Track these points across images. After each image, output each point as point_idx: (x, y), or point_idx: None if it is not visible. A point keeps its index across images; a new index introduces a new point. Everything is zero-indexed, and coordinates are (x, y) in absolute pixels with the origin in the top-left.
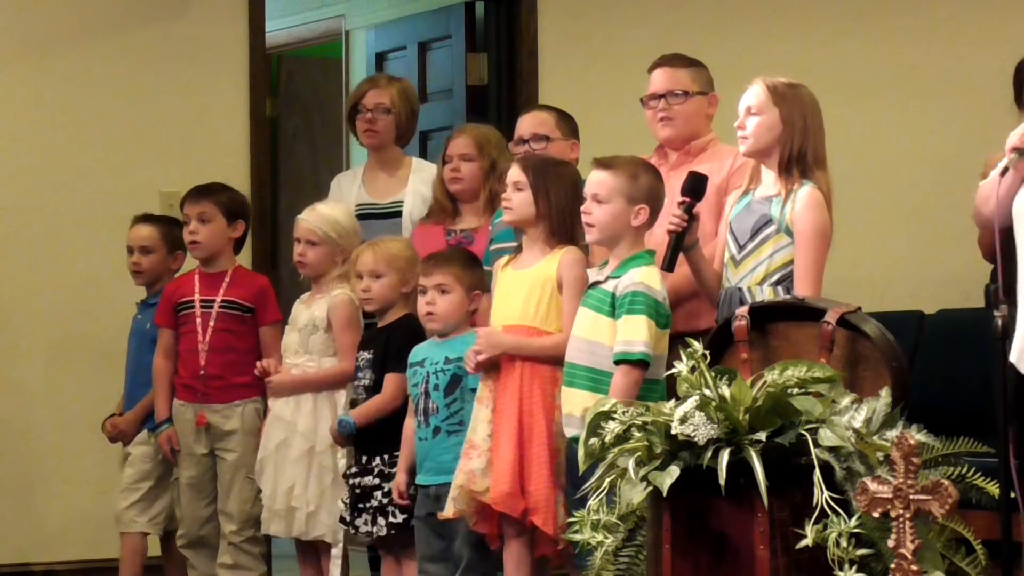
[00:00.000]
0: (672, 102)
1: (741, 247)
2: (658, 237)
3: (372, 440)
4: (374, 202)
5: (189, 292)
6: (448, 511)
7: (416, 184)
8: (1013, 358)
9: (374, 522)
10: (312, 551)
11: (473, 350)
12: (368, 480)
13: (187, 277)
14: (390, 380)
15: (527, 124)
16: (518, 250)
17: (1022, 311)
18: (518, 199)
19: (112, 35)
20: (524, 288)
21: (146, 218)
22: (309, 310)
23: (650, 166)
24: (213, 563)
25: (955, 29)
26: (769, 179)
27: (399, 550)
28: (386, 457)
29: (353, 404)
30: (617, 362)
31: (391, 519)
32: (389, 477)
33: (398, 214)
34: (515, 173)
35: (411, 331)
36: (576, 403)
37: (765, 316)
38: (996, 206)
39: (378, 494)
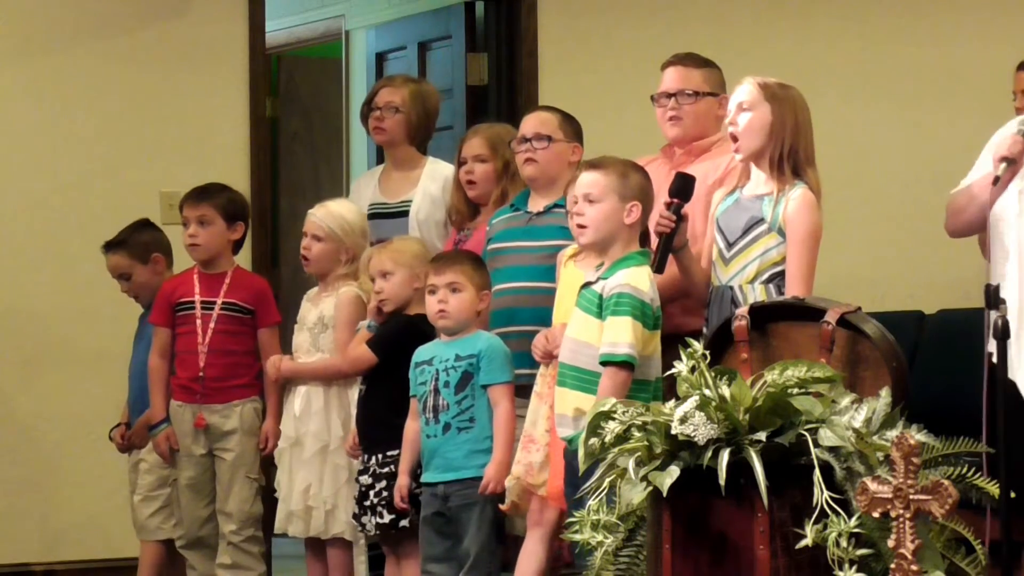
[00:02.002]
0: (682, 101)
1: (730, 245)
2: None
3: (371, 439)
4: (384, 201)
5: (188, 293)
6: (504, 505)
7: (426, 183)
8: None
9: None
10: (321, 550)
11: (551, 340)
12: (364, 479)
13: (185, 276)
14: (361, 349)
15: (530, 123)
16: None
17: (1011, 313)
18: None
19: (112, 35)
20: None
21: (107, 246)
22: (317, 308)
23: (638, 166)
24: (212, 563)
25: (955, 29)
26: (759, 177)
27: (397, 549)
28: (379, 456)
29: (359, 395)
30: (603, 363)
31: (378, 519)
32: (381, 476)
33: (406, 213)
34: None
35: (405, 323)
36: (567, 403)
37: (765, 316)
38: (988, 213)
39: (371, 493)
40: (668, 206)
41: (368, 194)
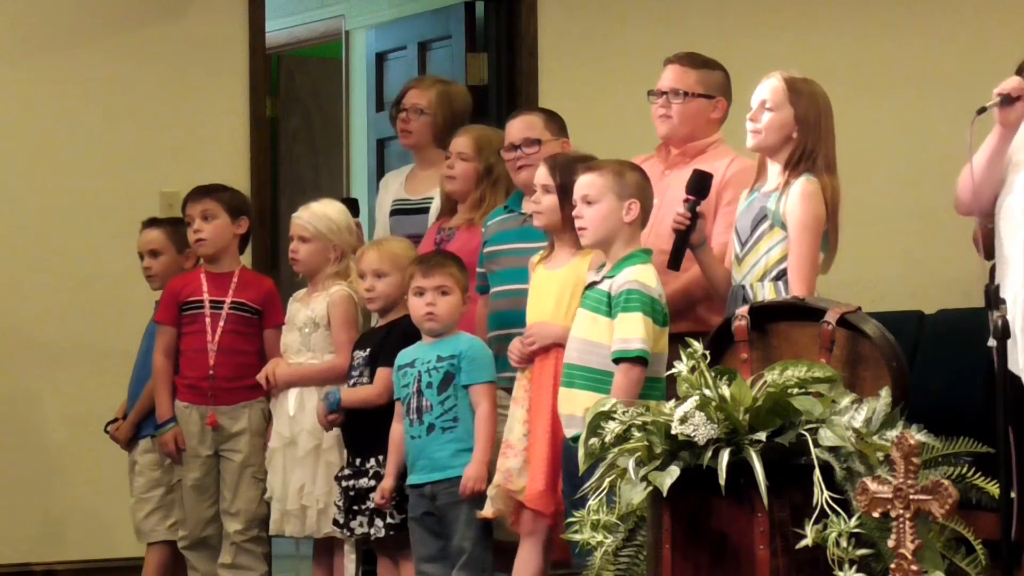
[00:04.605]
0: (672, 100)
1: (743, 244)
2: (661, 236)
3: (366, 442)
4: (407, 198)
5: (197, 291)
6: (487, 511)
7: None
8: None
9: (371, 523)
10: (326, 550)
11: (524, 341)
12: (363, 482)
13: (193, 275)
14: (381, 373)
15: (516, 129)
16: (550, 248)
17: (1010, 309)
18: (547, 202)
19: (112, 35)
20: (555, 288)
21: (152, 222)
22: (307, 308)
23: (634, 165)
24: (214, 564)
25: (955, 27)
26: (773, 174)
27: (395, 552)
28: (380, 458)
29: None
30: (616, 360)
31: (389, 520)
32: (379, 480)
33: (427, 210)
34: (543, 175)
35: (409, 331)
36: (578, 403)
37: (765, 316)
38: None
39: (374, 496)
40: (684, 203)
41: (393, 190)
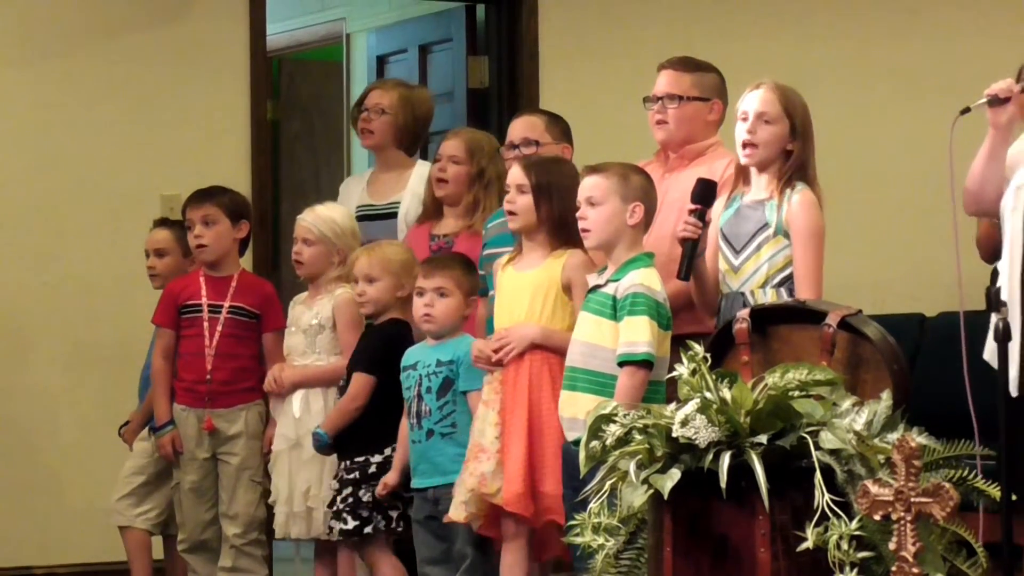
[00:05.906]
0: (668, 105)
1: (738, 253)
2: (661, 240)
3: (336, 443)
4: (372, 203)
5: (195, 295)
6: (458, 515)
7: (415, 185)
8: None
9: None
10: (328, 552)
11: (498, 345)
12: (334, 484)
13: (191, 278)
14: (354, 379)
15: (517, 129)
16: (518, 250)
17: (1012, 311)
18: (522, 202)
19: (113, 38)
20: (528, 290)
21: (163, 222)
22: (312, 311)
23: (639, 168)
24: (215, 567)
25: (955, 30)
26: (760, 183)
27: (363, 555)
28: (347, 463)
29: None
30: (621, 364)
31: (343, 525)
32: (348, 483)
33: (394, 215)
34: (517, 175)
35: (389, 334)
36: (580, 407)
37: (766, 319)
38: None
39: (337, 499)
40: (691, 212)
41: (356, 196)
